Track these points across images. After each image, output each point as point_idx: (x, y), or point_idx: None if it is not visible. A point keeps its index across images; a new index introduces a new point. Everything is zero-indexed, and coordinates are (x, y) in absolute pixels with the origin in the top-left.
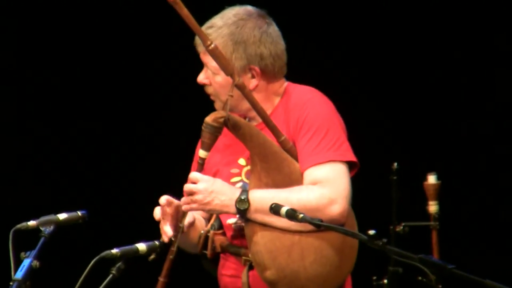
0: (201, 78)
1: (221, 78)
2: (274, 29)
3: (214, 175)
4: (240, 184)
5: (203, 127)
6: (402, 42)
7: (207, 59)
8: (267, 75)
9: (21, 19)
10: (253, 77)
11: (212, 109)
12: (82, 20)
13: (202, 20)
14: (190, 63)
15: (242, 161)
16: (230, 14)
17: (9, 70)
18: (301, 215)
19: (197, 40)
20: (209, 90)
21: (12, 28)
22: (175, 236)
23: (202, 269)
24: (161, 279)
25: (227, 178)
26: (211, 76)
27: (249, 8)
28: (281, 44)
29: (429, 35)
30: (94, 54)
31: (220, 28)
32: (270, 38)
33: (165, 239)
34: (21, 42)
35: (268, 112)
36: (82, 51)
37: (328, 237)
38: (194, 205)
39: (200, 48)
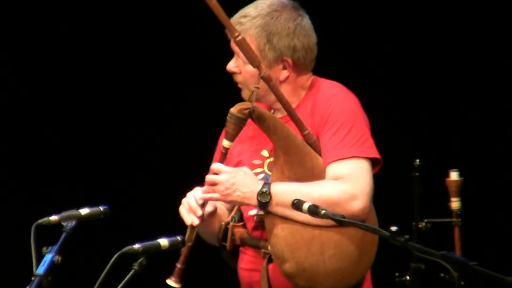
0: (231, 66)
1: (252, 67)
2: (307, 22)
3: (236, 165)
4: (262, 175)
5: (228, 117)
6: (423, 38)
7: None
8: (298, 67)
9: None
10: (284, 68)
11: (231, 100)
12: (101, 17)
13: (229, 12)
14: (208, 59)
15: (265, 153)
16: (264, 4)
17: (33, 63)
18: (323, 211)
19: None
20: (238, 78)
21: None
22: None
23: (221, 260)
24: (178, 266)
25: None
26: (241, 65)
27: (284, 0)
28: (314, 37)
29: (451, 32)
30: (111, 53)
31: (254, 18)
32: (304, 31)
33: (187, 222)
34: (43, 42)
35: (294, 105)
36: (103, 50)
37: (348, 232)
38: (215, 196)
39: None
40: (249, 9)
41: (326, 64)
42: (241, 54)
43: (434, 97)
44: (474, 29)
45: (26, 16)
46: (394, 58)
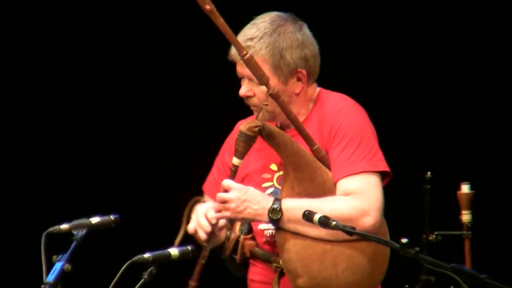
0: (244, 91)
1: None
2: (308, 30)
3: (244, 179)
4: (272, 190)
5: (237, 135)
6: (434, 48)
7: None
8: (310, 77)
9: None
10: (299, 80)
11: (241, 110)
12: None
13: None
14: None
15: (274, 167)
16: (265, 22)
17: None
18: (334, 223)
19: (237, 54)
20: (253, 101)
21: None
22: (207, 241)
23: (232, 275)
24: (191, 283)
25: (258, 183)
26: (254, 87)
27: (280, 13)
28: (317, 45)
29: (464, 43)
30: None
31: (261, 38)
32: (309, 39)
33: (202, 238)
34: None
35: (302, 118)
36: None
37: (360, 246)
38: (227, 214)
39: (241, 62)
40: (252, 31)
41: (335, 77)
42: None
43: (446, 110)
44: (492, 40)
45: (29, 17)
46: (407, 70)
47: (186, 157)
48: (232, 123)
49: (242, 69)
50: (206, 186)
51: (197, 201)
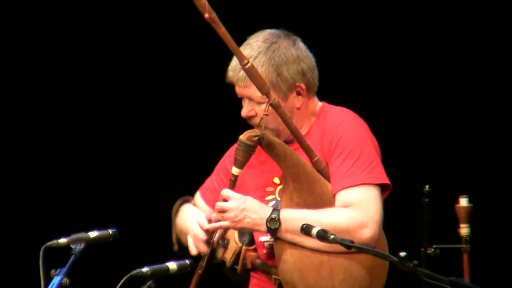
0: (246, 112)
1: (264, 104)
2: (302, 44)
3: (248, 193)
4: (274, 202)
5: (237, 145)
6: (435, 63)
7: (249, 91)
8: (309, 90)
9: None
10: (298, 94)
11: (241, 125)
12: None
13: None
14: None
15: (276, 180)
16: (258, 41)
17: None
18: (332, 236)
19: (234, 76)
20: (256, 121)
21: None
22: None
23: (230, 285)
24: None
25: (261, 197)
26: (255, 107)
27: (272, 31)
28: (313, 57)
29: (465, 60)
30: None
31: (256, 58)
32: (304, 53)
33: (192, 252)
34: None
35: (304, 131)
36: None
37: (358, 258)
38: (225, 223)
39: (239, 83)
40: (246, 51)
41: (334, 89)
42: (254, 96)
43: (444, 123)
44: (490, 53)
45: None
46: (403, 82)
47: (185, 171)
48: (233, 136)
49: (241, 90)
50: (203, 189)
51: (186, 201)
